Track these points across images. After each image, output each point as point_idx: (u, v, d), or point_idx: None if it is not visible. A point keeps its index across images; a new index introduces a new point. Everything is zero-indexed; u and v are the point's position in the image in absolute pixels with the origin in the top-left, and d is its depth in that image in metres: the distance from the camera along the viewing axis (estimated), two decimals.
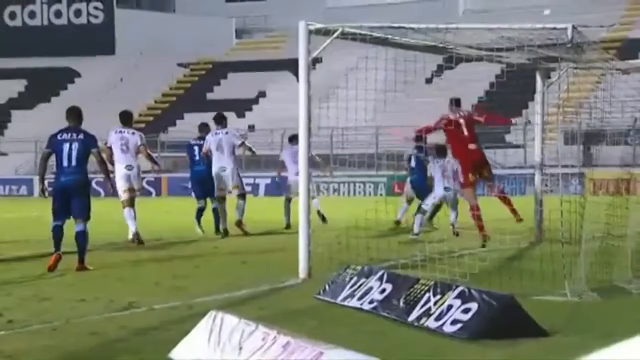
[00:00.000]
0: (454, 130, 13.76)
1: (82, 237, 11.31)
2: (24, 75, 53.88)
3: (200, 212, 16.58)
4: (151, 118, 49.07)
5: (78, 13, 56.74)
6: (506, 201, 14.45)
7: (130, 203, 14.56)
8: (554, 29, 9.71)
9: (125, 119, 15.28)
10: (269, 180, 33.73)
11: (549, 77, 14.11)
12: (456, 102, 14.37)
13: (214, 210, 16.35)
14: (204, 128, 16.90)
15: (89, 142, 11.56)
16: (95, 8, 56.60)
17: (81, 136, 11.52)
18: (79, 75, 54.55)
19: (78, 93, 51.78)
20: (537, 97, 14.32)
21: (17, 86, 53.73)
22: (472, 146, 13.90)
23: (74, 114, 11.79)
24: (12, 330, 7.39)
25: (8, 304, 8.58)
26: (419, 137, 15.86)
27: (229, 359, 5.65)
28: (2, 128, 50.14)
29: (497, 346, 6.60)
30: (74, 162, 11.36)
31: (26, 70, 53.68)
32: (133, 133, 14.99)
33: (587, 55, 10.58)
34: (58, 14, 56.89)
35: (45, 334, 7.22)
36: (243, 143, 16.66)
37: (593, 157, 13.74)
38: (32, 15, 56.98)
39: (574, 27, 9.37)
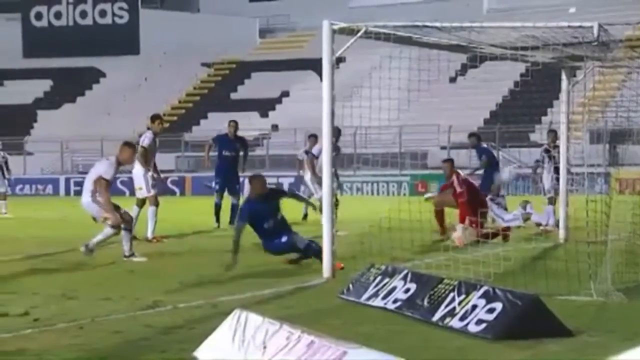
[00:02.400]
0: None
1: None
2: (49, 75, 54.31)
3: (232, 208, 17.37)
4: (175, 118, 49.28)
5: (103, 13, 57.12)
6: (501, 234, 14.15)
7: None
8: (580, 27, 9.63)
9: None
10: (292, 180, 33.74)
11: (575, 76, 14.02)
12: None
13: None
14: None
15: None
16: (120, 8, 56.97)
17: None
18: (104, 75, 54.90)
19: (103, 93, 52.18)
20: (563, 96, 14.23)
21: (42, 86, 54.16)
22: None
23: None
24: (38, 328, 7.43)
25: (34, 303, 8.64)
26: None
27: (253, 358, 5.66)
28: (28, 128, 50.50)
29: (522, 346, 6.57)
30: None
31: (52, 70, 54.11)
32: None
33: (613, 53, 10.50)
34: (83, 15, 57.30)
35: (71, 332, 7.26)
36: None
37: (619, 156, 13.64)
38: (57, 15, 57.43)
39: (599, 25, 9.29)
